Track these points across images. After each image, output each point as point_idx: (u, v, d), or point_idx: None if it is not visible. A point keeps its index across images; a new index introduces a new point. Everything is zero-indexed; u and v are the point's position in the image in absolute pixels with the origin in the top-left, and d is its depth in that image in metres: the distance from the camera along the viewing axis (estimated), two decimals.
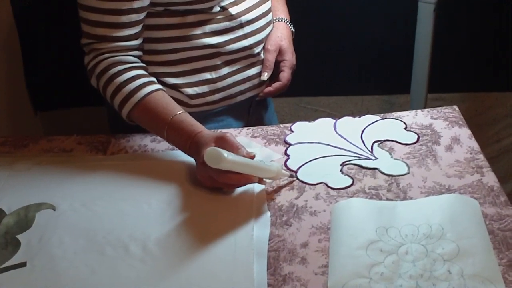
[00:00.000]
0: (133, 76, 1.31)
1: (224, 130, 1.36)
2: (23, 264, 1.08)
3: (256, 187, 1.21)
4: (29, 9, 2.09)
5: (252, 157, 1.19)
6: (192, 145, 1.24)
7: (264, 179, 1.21)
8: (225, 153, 1.12)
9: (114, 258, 1.08)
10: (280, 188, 1.22)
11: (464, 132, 1.31)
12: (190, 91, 1.43)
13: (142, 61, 1.39)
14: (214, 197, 1.20)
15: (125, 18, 1.31)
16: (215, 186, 1.20)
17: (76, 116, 2.29)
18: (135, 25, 1.33)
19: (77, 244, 1.11)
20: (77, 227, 1.15)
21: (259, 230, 1.11)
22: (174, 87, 1.43)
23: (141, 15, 1.34)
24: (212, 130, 1.29)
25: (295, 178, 1.24)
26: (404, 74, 2.20)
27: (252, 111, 1.58)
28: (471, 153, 1.25)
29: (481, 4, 2.16)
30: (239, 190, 1.21)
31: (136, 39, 1.35)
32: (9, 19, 2.04)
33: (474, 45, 2.25)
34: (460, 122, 1.35)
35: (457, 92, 2.34)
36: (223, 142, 1.19)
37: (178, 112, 1.28)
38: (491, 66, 2.27)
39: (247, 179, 1.18)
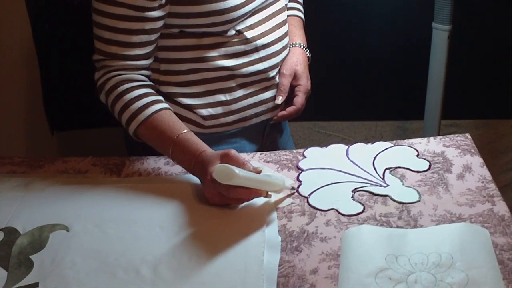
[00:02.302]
0: (141, 94, 1.34)
1: None
2: (36, 285, 1.09)
3: (267, 209, 1.23)
4: (47, 29, 2.12)
5: (259, 172, 1.20)
6: (197, 164, 1.25)
7: (269, 193, 1.22)
8: (236, 169, 1.13)
9: (125, 281, 1.08)
10: (278, 199, 1.24)
11: (476, 161, 1.31)
12: (204, 112, 1.45)
13: (157, 82, 1.42)
14: (226, 220, 1.20)
15: (136, 38, 1.33)
16: (224, 203, 1.22)
17: (92, 137, 2.31)
18: (145, 45, 1.35)
19: (89, 265, 1.12)
20: (90, 249, 1.16)
21: (269, 255, 1.12)
22: (189, 107, 1.44)
23: (152, 36, 1.36)
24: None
25: (295, 191, 1.26)
26: (418, 100, 2.20)
27: (267, 134, 1.59)
28: (482, 182, 1.25)
29: (496, 31, 2.17)
30: (250, 209, 1.23)
31: (146, 59, 1.37)
32: (28, 39, 2.06)
33: (488, 72, 2.25)
34: (472, 150, 1.35)
35: (471, 119, 2.33)
36: (229, 159, 1.20)
37: (184, 131, 1.30)
38: (506, 93, 2.26)
39: (255, 193, 1.20)
